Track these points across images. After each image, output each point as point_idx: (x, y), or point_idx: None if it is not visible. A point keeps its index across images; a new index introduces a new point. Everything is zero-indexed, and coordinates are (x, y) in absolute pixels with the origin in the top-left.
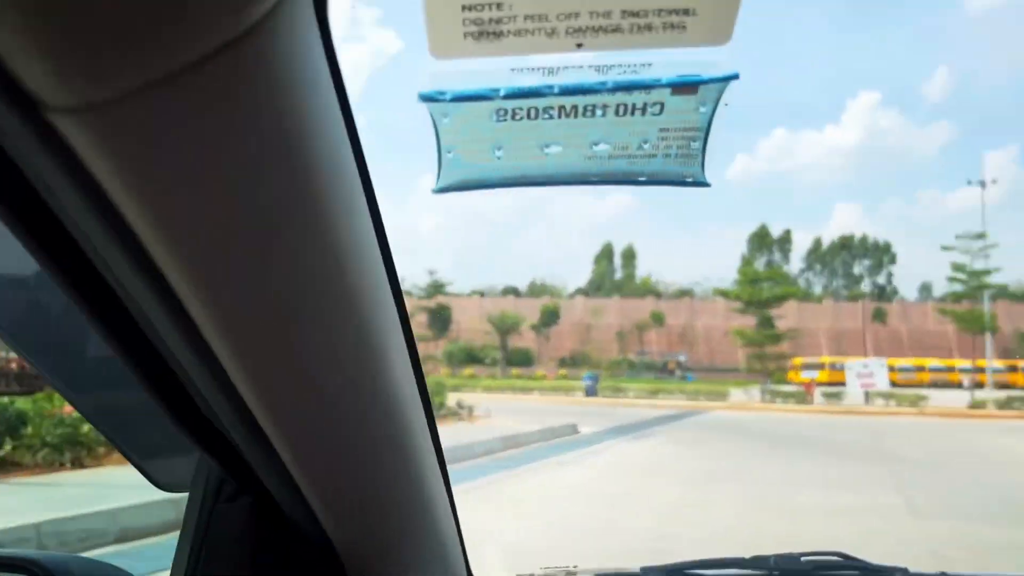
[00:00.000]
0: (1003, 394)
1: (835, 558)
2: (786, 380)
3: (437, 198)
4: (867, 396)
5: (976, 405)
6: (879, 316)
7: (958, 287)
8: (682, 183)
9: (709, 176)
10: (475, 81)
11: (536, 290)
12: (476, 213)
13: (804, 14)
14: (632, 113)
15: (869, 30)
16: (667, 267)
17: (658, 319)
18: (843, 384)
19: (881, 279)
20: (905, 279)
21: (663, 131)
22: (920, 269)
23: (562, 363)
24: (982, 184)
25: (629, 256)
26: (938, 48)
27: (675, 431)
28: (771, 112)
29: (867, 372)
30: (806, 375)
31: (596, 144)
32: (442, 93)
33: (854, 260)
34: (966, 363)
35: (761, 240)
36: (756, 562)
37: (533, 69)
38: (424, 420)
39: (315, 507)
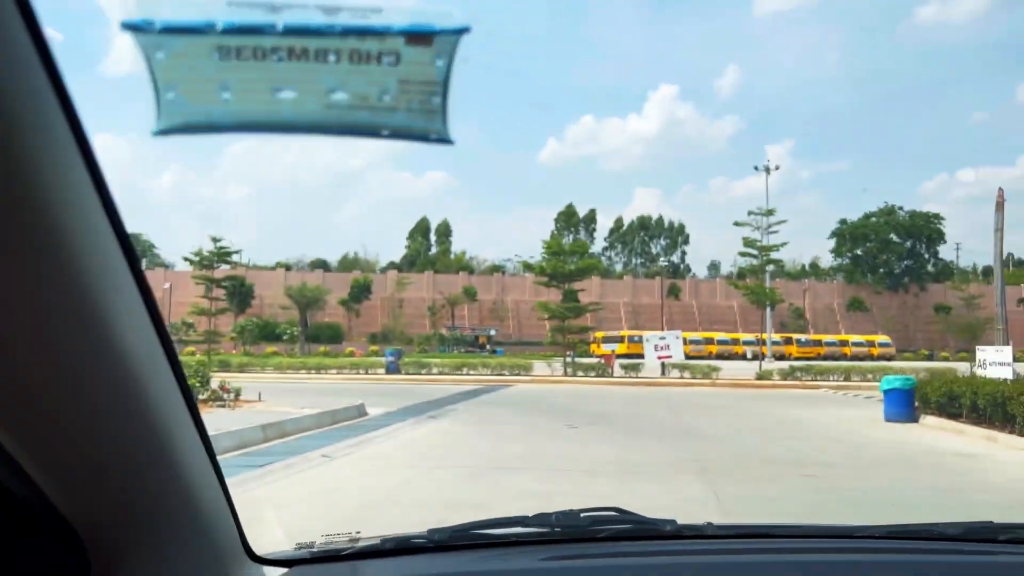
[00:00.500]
0: (785, 365)
1: (611, 512)
2: (589, 353)
3: (245, 168)
4: (664, 368)
5: (763, 376)
6: (674, 292)
7: (750, 262)
8: (426, 139)
9: (453, 132)
10: (189, 13)
11: (348, 264)
12: (291, 186)
13: (612, 7)
14: (368, 61)
15: (670, 25)
16: (482, 244)
17: (470, 294)
18: (642, 356)
19: (676, 258)
20: (696, 259)
21: (403, 83)
22: (710, 250)
23: (373, 339)
24: (767, 170)
25: (444, 232)
26: (730, 47)
27: (473, 407)
28: (580, 100)
29: (664, 344)
30: (607, 348)
31: (333, 92)
32: (150, 23)
33: (652, 240)
34: (749, 336)
35: (568, 219)
36: (539, 519)
37: (253, 4)
38: (176, 394)
39: (45, 488)
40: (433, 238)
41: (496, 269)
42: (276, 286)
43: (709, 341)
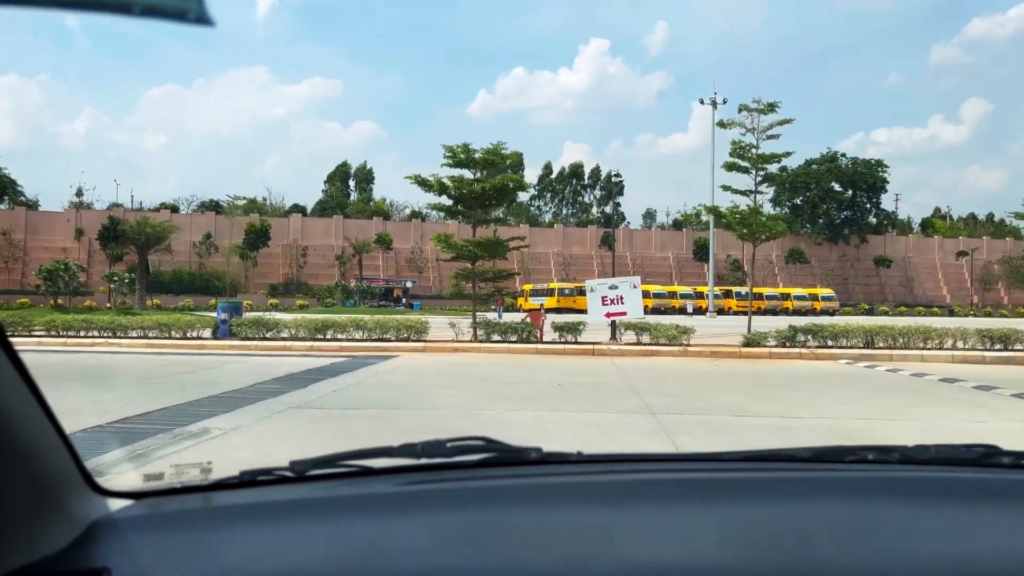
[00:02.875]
0: (766, 322)
1: (478, 441)
2: (516, 307)
3: (162, 116)
4: (615, 329)
5: (752, 342)
6: (607, 242)
7: (741, 182)
8: (183, 18)
9: (213, 12)
10: None
11: (247, 208)
12: (210, 135)
13: None
14: None
15: None
16: (408, 197)
17: (385, 242)
18: (578, 313)
19: (608, 209)
20: (629, 214)
21: None
22: (640, 206)
23: (274, 291)
24: (714, 104)
25: (365, 179)
26: (660, 3)
27: (275, 422)
28: (512, 52)
29: (615, 296)
30: (535, 302)
31: None
32: None
33: (584, 190)
34: (686, 289)
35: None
36: (404, 449)
37: None
38: None
39: None
40: (352, 184)
41: (416, 215)
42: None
43: (645, 294)
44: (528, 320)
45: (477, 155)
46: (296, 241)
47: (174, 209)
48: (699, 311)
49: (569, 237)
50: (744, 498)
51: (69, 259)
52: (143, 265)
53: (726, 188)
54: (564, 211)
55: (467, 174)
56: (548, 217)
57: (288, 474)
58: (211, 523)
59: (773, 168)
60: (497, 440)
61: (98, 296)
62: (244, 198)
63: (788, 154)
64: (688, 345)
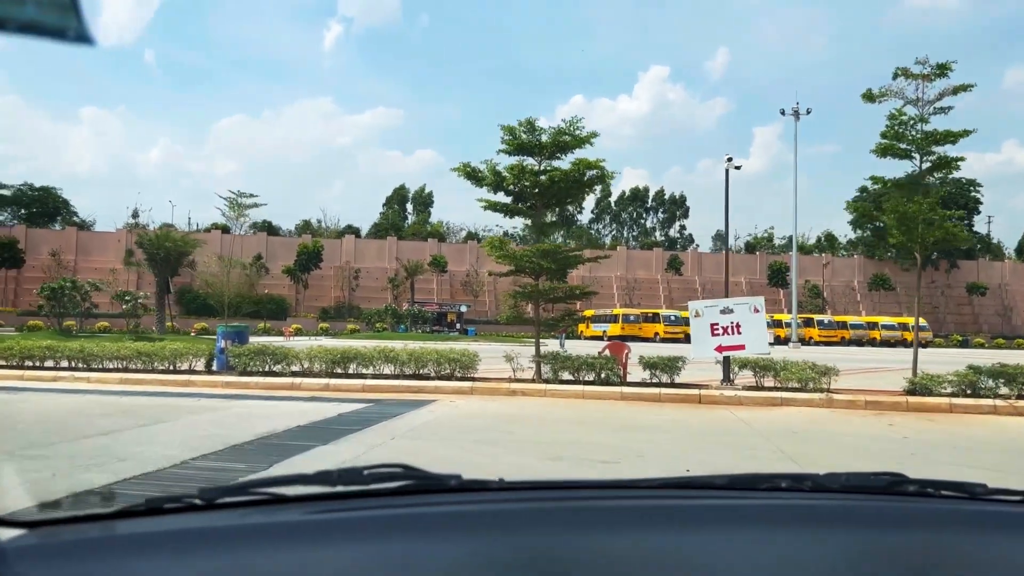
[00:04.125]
0: (857, 355)
1: (396, 469)
2: (576, 334)
3: (233, 145)
4: (727, 368)
5: (919, 387)
6: (674, 265)
7: (901, 168)
8: (63, 36)
9: None
10: None
11: (300, 229)
12: (278, 162)
13: None
14: None
15: (662, 6)
16: (467, 223)
17: (439, 264)
18: (646, 341)
19: (673, 232)
20: (696, 236)
21: None
22: (706, 230)
23: (324, 314)
24: (796, 114)
25: (423, 202)
26: (720, 28)
27: None
28: (571, 80)
29: (731, 324)
30: (596, 328)
31: None
32: None
33: (647, 213)
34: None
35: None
36: (319, 476)
37: None
38: None
39: None
40: (411, 207)
41: (472, 237)
42: (208, 251)
43: None
44: (607, 353)
45: (544, 137)
46: (348, 263)
47: (225, 229)
48: (779, 341)
49: (632, 260)
50: (658, 525)
51: (118, 280)
52: (162, 283)
53: (877, 181)
54: (625, 234)
55: (531, 162)
56: (608, 241)
57: (197, 502)
58: (110, 553)
59: (941, 151)
60: (416, 467)
61: (122, 320)
62: (253, 196)
63: (966, 132)
64: (831, 391)
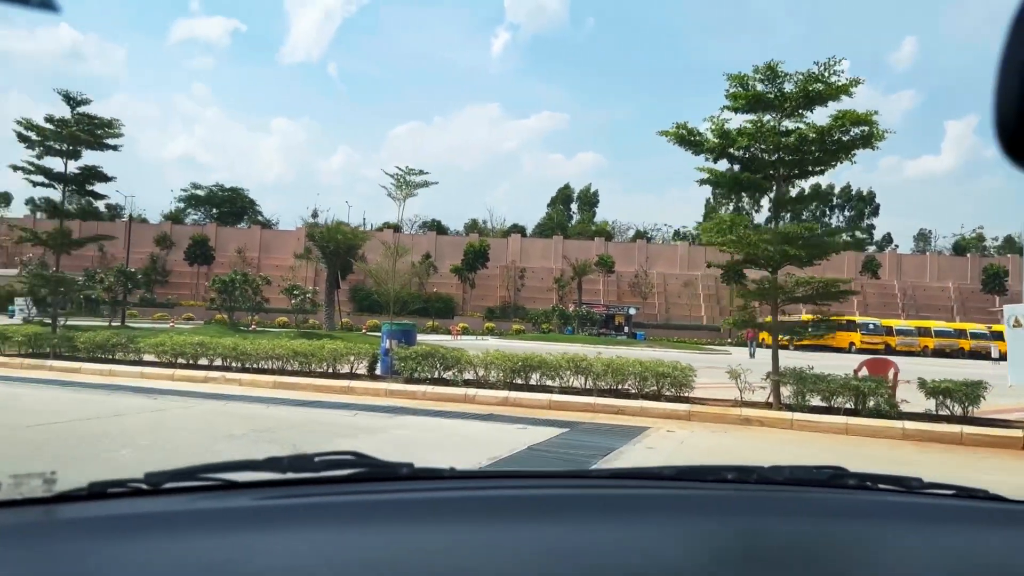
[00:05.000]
0: None
1: (348, 456)
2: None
3: (406, 150)
4: None
5: None
6: (871, 268)
7: None
8: (26, 3)
9: None
10: None
11: (467, 228)
12: (448, 167)
13: None
14: None
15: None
16: (631, 218)
17: (606, 264)
18: (837, 351)
19: (860, 233)
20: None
21: None
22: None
23: (490, 314)
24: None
25: (588, 201)
26: (906, 17)
27: None
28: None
29: None
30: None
31: None
32: None
33: (831, 212)
34: (978, 327)
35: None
36: (270, 463)
37: None
38: None
39: None
40: (575, 208)
41: (641, 236)
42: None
43: (924, 332)
44: (864, 372)
45: (788, 86)
46: (514, 263)
47: (396, 228)
48: (1004, 357)
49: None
50: (604, 513)
51: (296, 276)
52: (332, 278)
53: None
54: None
55: (768, 119)
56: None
57: (142, 486)
58: (49, 537)
59: None
60: (369, 455)
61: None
62: (423, 173)
63: None
64: None
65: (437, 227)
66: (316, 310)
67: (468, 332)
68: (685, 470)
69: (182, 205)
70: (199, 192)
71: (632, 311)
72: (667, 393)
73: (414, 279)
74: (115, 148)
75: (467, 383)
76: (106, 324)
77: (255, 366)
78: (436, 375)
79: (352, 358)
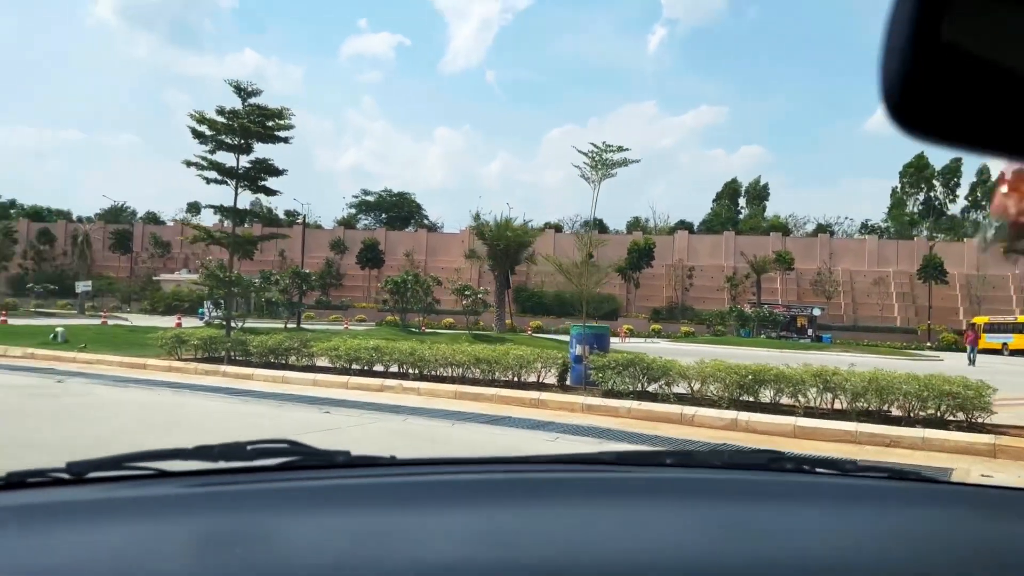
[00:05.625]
0: None
1: (282, 444)
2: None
3: (560, 154)
4: None
5: None
6: None
7: None
8: None
9: None
10: None
11: (629, 226)
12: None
13: None
14: None
15: None
16: (806, 211)
17: (784, 261)
18: None
19: None
20: None
21: None
22: None
23: (656, 315)
24: None
25: (758, 195)
26: None
27: None
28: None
29: None
30: (993, 340)
31: None
32: None
33: None
34: None
35: (918, 174)
36: (200, 451)
37: None
38: None
39: None
40: (743, 202)
41: (822, 229)
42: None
43: None
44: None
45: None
46: (681, 261)
47: (557, 228)
48: None
49: None
50: (544, 496)
51: (461, 278)
52: (502, 278)
53: None
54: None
55: None
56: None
57: (64, 476)
58: None
59: None
60: (303, 443)
61: (464, 317)
62: (623, 149)
63: None
64: None
65: (599, 226)
66: (484, 311)
67: (634, 334)
68: (625, 455)
69: (354, 211)
70: (369, 198)
71: (816, 312)
72: (951, 418)
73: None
74: (285, 140)
75: (680, 399)
76: (282, 326)
77: (433, 373)
78: (639, 387)
79: (539, 366)
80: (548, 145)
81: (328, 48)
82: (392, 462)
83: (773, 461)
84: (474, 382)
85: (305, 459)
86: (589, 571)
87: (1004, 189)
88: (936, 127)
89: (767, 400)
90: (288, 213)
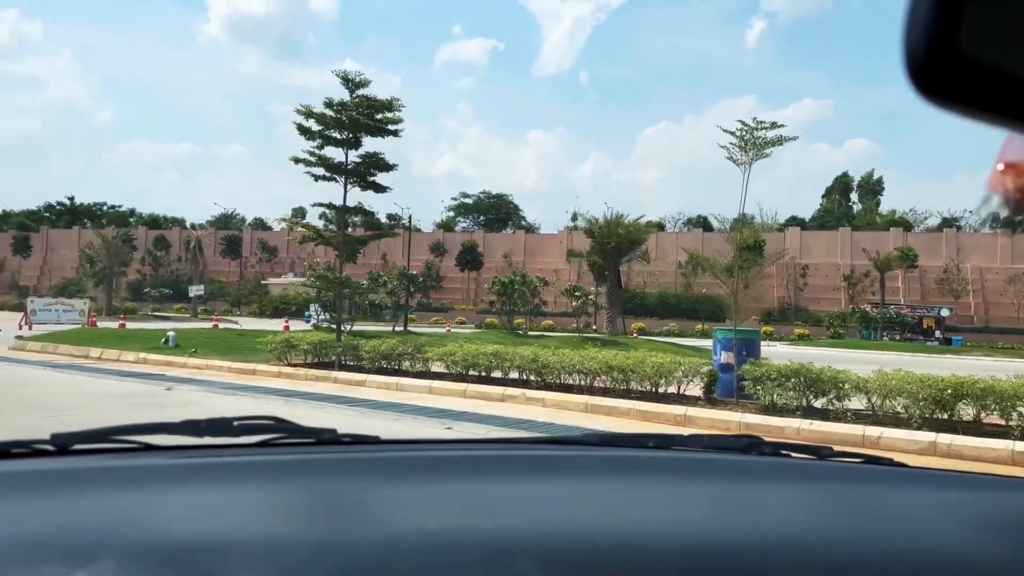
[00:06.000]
0: None
1: (268, 421)
2: None
3: (656, 153)
4: None
5: None
6: None
7: None
8: None
9: None
10: None
11: (735, 224)
12: (700, 166)
13: None
14: None
15: None
16: (927, 205)
17: (908, 257)
18: None
19: None
20: None
21: None
22: None
23: (768, 317)
24: None
25: (871, 189)
26: None
27: None
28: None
29: None
30: None
31: None
32: None
33: None
34: None
35: None
36: (186, 426)
37: None
38: None
39: None
40: (855, 197)
41: (949, 224)
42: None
43: None
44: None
45: None
46: (794, 259)
47: (660, 227)
48: None
49: None
50: (528, 473)
51: (560, 279)
52: (613, 277)
53: None
54: None
55: None
56: None
57: (48, 447)
58: None
59: None
60: (289, 420)
61: (564, 319)
62: (777, 126)
63: None
64: None
65: (703, 224)
66: (589, 313)
67: None
68: (608, 436)
69: (452, 214)
70: (467, 200)
71: (945, 312)
72: None
73: (680, 279)
74: (395, 133)
75: (858, 416)
76: (389, 328)
77: (557, 381)
78: (805, 403)
79: (680, 374)
80: (642, 144)
81: (424, 55)
82: (379, 440)
83: (752, 446)
84: (604, 392)
85: (291, 435)
86: (576, 539)
87: (1000, 167)
88: (961, 95)
89: (968, 418)
90: (389, 217)
